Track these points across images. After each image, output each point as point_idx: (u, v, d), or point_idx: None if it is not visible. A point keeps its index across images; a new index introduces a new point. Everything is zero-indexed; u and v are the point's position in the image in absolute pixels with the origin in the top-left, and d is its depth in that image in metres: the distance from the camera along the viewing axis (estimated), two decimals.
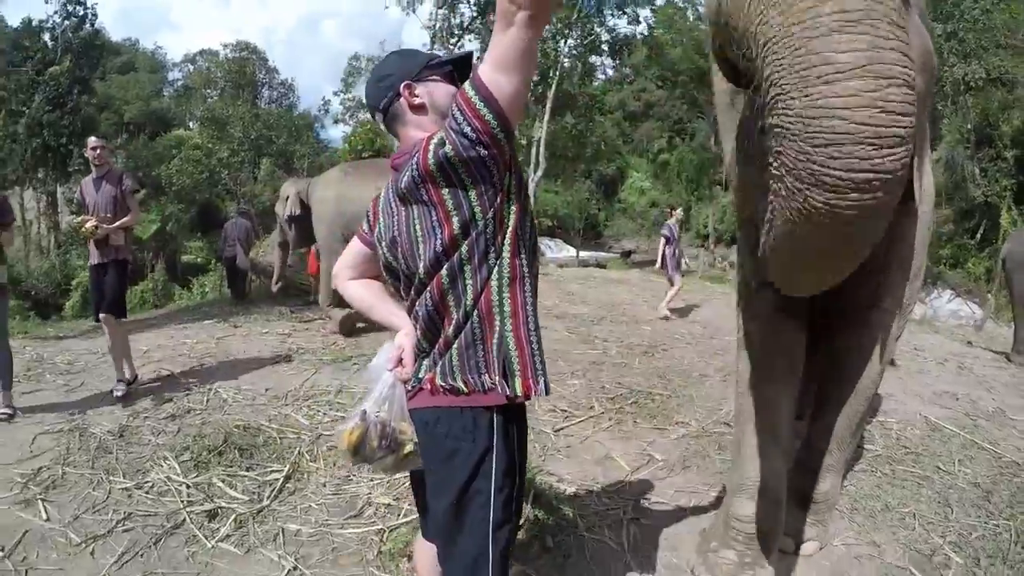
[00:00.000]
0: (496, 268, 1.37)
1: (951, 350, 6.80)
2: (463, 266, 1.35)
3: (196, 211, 21.21)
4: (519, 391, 1.36)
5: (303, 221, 7.06)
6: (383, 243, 1.50)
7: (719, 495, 3.00)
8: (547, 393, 1.43)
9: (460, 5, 19.78)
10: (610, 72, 26.98)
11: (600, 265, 19.05)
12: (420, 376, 1.42)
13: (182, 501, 2.82)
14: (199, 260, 17.86)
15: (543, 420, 4.00)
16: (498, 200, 1.34)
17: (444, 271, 1.35)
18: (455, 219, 1.33)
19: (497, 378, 1.36)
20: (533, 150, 18.98)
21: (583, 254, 22.53)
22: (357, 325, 6.34)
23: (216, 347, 5.72)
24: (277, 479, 3.04)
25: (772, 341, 2.36)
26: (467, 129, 1.26)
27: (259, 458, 3.28)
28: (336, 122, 25.55)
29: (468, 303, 1.36)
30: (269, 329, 6.55)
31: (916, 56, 1.36)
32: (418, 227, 1.38)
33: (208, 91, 33.95)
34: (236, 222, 10.14)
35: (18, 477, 3.00)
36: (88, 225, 4.12)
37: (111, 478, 3.02)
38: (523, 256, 1.40)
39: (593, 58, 21.71)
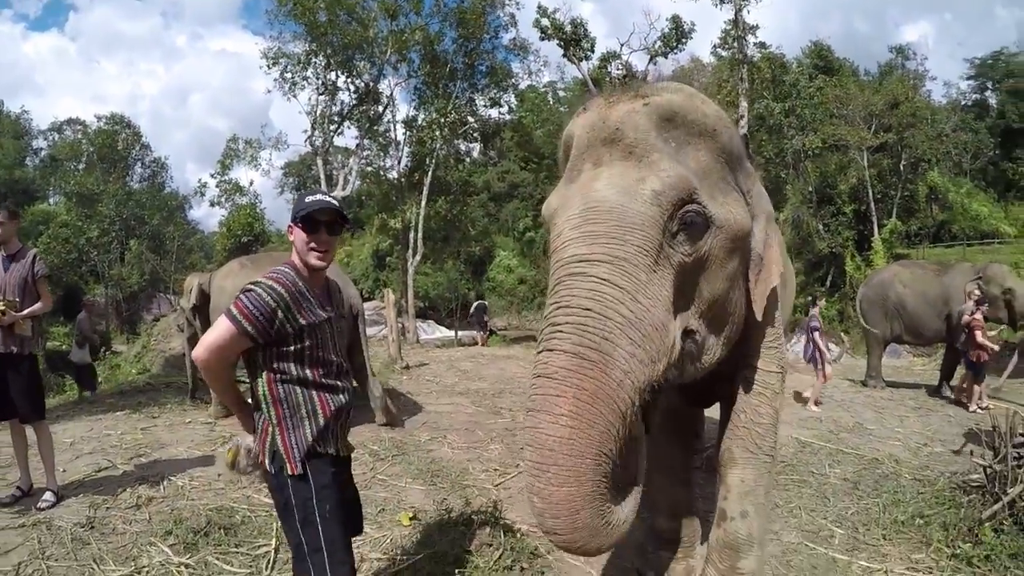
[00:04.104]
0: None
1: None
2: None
3: (61, 294, 19.73)
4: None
5: (205, 311, 7.03)
6: None
7: (644, 515, 3.67)
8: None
9: (340, 93, 19.80)
10: (476, 155, 27.69)
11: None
12: None
13: None
14: (64, 347, 16.59)
15: (482, 479, 4.72)
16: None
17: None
18: None
19: (268, 463, 2.02)
20: (411, 235, 19.53)
21: (460, 333, 21.96)
22: None
23: (144, 437, 5.67)
24: (268, 551, 3.31)
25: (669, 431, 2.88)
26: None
27: (243, 535, 3.51)
28: (213, 205, 24.68)
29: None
30: (191, 418, 6.52)
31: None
32: None
33: (75, 164, 31.60)
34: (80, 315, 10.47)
35: None
36: None
37: (102, 567, 3.11)
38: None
39: (462, 145, 22.76)
